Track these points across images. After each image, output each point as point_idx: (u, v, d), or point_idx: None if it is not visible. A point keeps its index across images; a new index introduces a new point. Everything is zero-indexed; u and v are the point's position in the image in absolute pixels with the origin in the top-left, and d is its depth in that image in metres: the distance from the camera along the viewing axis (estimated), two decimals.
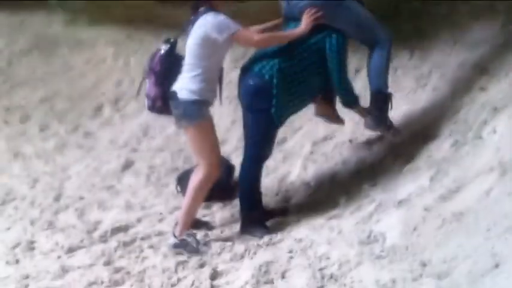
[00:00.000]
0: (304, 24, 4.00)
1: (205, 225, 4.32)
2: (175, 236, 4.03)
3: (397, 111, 4.59)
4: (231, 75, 6.05)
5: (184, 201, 4.10)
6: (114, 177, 5.47)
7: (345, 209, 3.97)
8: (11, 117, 7.13)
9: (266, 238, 3.87)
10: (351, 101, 4.14)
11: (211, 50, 3.92)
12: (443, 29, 4.86)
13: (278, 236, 3.87)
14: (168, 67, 4.03)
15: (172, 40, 4.12)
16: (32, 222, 4.76)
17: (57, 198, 5.16)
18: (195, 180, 4.05)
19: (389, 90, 4.20)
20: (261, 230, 4.00)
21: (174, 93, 3.95)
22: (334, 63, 3.99)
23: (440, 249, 3.04)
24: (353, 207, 3.94)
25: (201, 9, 3.98)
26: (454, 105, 4.26)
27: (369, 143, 4.61)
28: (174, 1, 6.88)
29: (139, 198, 4.99)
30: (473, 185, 3.34)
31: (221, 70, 4.10)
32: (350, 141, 4.66)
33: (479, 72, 4.34)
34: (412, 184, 3.78)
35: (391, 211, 3.61)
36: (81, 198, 5.11)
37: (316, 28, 4.01)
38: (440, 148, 3.94)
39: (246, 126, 4.16)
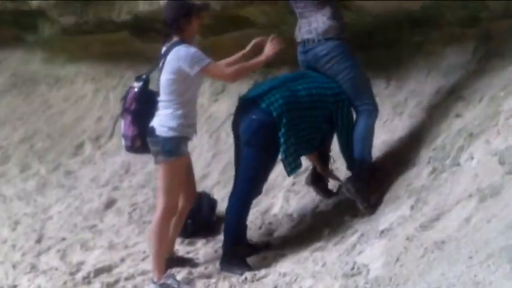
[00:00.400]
0: (267, 51, 4.06)
1: (189, 262, 4.28)
2: (154, 283, 3.96)
3: (376, 140, 4.62)
4: (211, 110, 6.10)
5: (151, 245, 4.04)
6: (96, 217, 5.43)
7: (328, 241, 3.98)
8: None
9: (249, 274, 3.84)
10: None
11: (185, 84, 3.91)
12: (418, 57, 4.93)
13: (262, 271, 3.85)
14: (143, 105, 4.00)
15: (144, 77, 4.10)
16: (14, 266, 4.71)
17: (38, 240, 5.11)
18: (154, 221, 4.03)
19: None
20: (242, 267, 3.96)
21: (153, 129, 3.92)
22: (344, 132, 4.14)
23: (423, 279, 3.03)
24: (336, 239, 3.95)
25: (172, 42, 3.97)
26: (431, 133, 4.30)
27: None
28: (152, 36, 6.90)
29: (122, 237, 4.96)
30: (453, 212, 3.36)
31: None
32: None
33: (454, 99, 4.40)
34: (393, 213, 3.79)
35: (374, 241, 3.61)
36: (63, 239, 5.07)
37: (325, 79, 4.14)
38: (419, 176, 3.96)
39: (238, 160, 4.13)
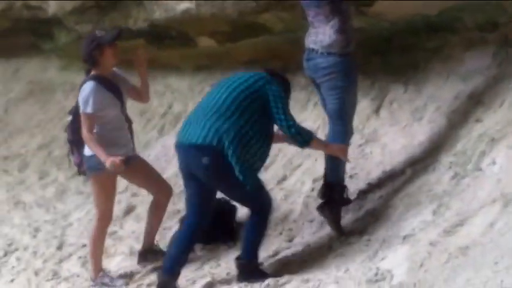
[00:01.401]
0: (110, 162, 4.09)
1: (160, 253, 4.52)
2: (92, 281, 4.40)
3: (395, 145, 4.64)
4: None
5: (89, 248, 4.52)
6: (116, 223, 5.43)
7: (350, 247, 3.98)
8: (10, 165, 7.12)
9: (272, 280, 3.84)
10: (306, 139, 3.97)
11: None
12: (436, 62, 4.92)
13: (285, 278, 3.85)
14: (75, 134, 4.38)
15: (73, 110, 4.47)
16: (36, 273, 4.77)
17: (59, 247, 5.16)
18: (91, 229, 4.53)
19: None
20: (263, 275, 3.94)
21: (83, 151, 4.37)
22: (280, 107, 3.87)
23: (448, 284, 3.04)
24: (358, 245, 3.95)
25: (89, 75, 4.30)
26: (451, 138, 4.30)
27: (368, 178, 4.64)
28: (168, 43, 6.95)
29: None
30: (477, 217, 3.37)
31: (128, 121, 4.52)
32: (350, 176, 4.68)
33: (474, 103, 4.40)
34: (415, 219, 3.80)
35: (397, 247, 3.62)
36: (84, 245, 5.09)
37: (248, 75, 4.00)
38: (440, 181, 3.97)
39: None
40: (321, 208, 4.29)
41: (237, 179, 3.81)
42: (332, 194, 4.26)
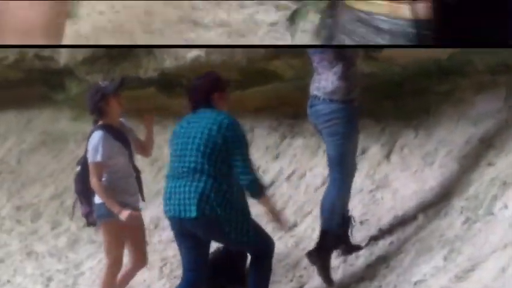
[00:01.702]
0: (126, 217, 4.18)
1: None
2: None
3: (406, 191, 4.59)
4: None
5: None
6: None
7: None
8: (23, 215, 7.14)
9: None
10: (261, 193, 3.89)
11: None
12: (447, 106, 4.91)
13: None
14: (84, 185, 4.37)
15: (82, 160, 4.46)
16: None
17: None
18: (101, 277, 4.56)
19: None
20: None
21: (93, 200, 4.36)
22: (240, 160, 3.79)
23: None
24: None
25: (96, 125, 4.36)
26: (462, 182, 4.26)
27: (378, 224, 4.58)
28: (179, 91, 7.01)
29: None
30: (489, 262, 3.30)
31: (136, 171, 4.48)
32: (361, 222, 4.64)
33: (485, 147, 4.37)
34: (426, 264, 3.73)
35: None
36: None
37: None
38: (452, 226, 3.91)
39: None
40: (309, 254, 4.21)
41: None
42: (322, 241, 4.19)
